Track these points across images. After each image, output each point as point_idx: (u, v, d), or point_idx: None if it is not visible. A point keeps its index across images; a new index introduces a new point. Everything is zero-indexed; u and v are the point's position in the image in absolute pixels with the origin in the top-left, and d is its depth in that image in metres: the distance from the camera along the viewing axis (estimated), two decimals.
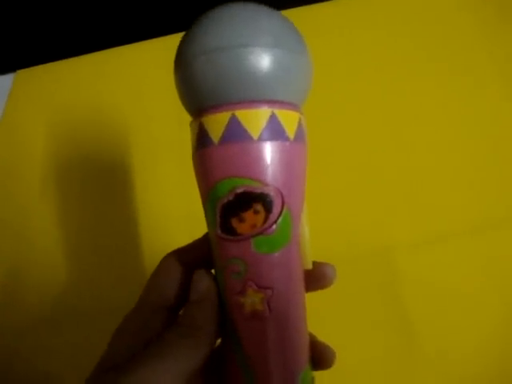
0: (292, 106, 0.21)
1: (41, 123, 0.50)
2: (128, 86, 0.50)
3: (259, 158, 0.20)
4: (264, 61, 0.20)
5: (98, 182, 0.46)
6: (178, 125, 0.46)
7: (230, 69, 0.20)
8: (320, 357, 0.24)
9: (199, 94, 0.21)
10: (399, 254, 0.39)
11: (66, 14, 0.55)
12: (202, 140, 0.21)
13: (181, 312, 0.23)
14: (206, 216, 0.22)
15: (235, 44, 0.20)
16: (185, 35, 0.22)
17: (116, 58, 0.52)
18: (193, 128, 0.22)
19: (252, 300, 0.21)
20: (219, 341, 0.23)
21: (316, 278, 0.23)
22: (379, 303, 0.38)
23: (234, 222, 0.21)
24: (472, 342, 0.36)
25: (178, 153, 0.45)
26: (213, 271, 0.23)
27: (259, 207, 0.20)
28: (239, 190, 0.20)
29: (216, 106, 0.21)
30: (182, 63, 0.21)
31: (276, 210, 0.21)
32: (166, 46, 0.49)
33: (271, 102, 0.21)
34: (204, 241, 0.24)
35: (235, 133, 0.20)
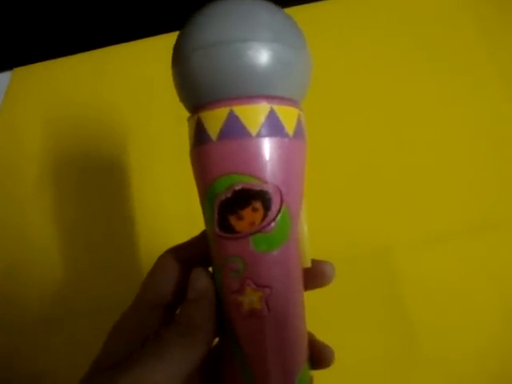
0: (291, 101, 0.21)
1: (38, 121, 0.50)
2: (126, 84, 0.50)
3: (258, 154, 0.20)
4: (263, 56, 0.20)
5: (95, 180, 0.46)
6: (175, 122, 0.46)
7: (227, 64, 0.20)
8: (319, 356, 0.24)
9: (197, 89, 0.21)
10: (398, 254, 0.39)
11: (64, 12, 0.55)
12: (199, 136, 0.21)
13: (178, 311, 0.23)
14: (204, 213, 0.22)
15: (233, 38, 0.19)
16: (182, 30, 0.21)
17: (113, 55, 0.51)
18: (190, 124, 0.22)
19: (250, 299, 0.21)
20: (216, 340, 0.23)
21: (315, 275, 0.23)
22: (378, 303, 0.38)
23: (232, 220, 0.20)
24: (471, 342, 0.36)
25: (175, 151, 0.45)
26: (210, 269, 0.23)
27: (258, 205, 0.20)
28: (237, 187, 0.20)
29: (214, 102, 0.20)
30: (180, 58, 0.21)
31: (275, 207, 0.20)
32: (164, 43, 0.49)
33: (270, 98, 0.20)
34: (201, 238, 0.23)
35: (233, 129, 0.20)
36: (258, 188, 0.20)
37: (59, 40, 0.54)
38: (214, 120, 0.20)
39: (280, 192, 0.20)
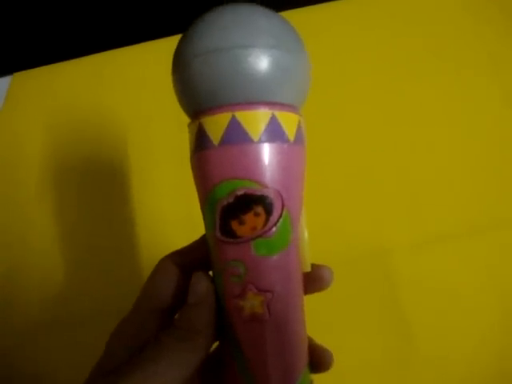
0: (292, 107, 0.21)
1: (38, 125, 0.50)
2: (125, 89, 0.50)
3: (260, 159, 0.20)
4: (263, 62, 0.20)
5: (95, 184, 0.46)
6: (176, 127, 0.46)
7: (229, 70, 0.20)
8: (318, 360, 0.24)
9: (198, 95, 0.21)
10: (397, 256, 0.39)
11: (63, 17, 0.55)
12: (201, 141, 0.21)
13: (177, 315, 0.23)
14: (205, 218, 0.22)
15: (233, 45, 0.20)
16: (182, 37, 0.22)
17: (113, 60, 0.51)
18: (191, 129, 0.22)
19: (251, 303, 0.21)
20: (216, 344, 0.23)
21: (313, 280, 0.23)
22: (377, 305, 0.38)
23: (234, 225, 0.20)
24: (470, 344, 0.36)
25: (176, 155, 0.45)
26: (211, 273, 0.23)
27: (260, 209, 0.20)
28: (240, 192, 0.20)
29: (215, 108, 0.20)
30: (180, 64, 0.21)
31: (276, 212, 0.20)
32: (164, 47, 0.49)
33: (271, 104, 0.20)
34: (201, 243, 0.23)
35: (235, 134, 0.20)
36: (259, 193, 0.20)
37: (59, 45, 0.54)
38: (216, 125, 0.20)
39: (281, 197, 0.20)
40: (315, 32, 0.47)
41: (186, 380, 0.20)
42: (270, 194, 0.20)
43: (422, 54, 0.46)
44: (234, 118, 0.20)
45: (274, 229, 0.20)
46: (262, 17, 0.21)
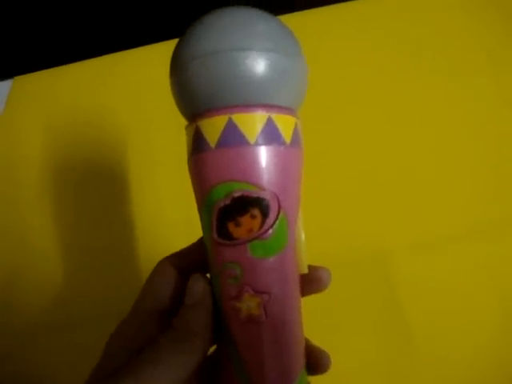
0: (288, 110, 0.21)
1: (39, 128, 0.50)
2: (126, 93, 0.50)
3: (256, 162, 0.20)
4: (260, 65, 0.20)
5: (95, 187, 0.46)
6: (176, 129, 0.45)
7: (225, 72, 0.20)
8: (315, 362, 0.24)
9: (195, 97, 0.21)
10: (397, 258, 0.39)
11: (63, 21, 0.55)
12: (197, 144, 0.21)
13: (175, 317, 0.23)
14: (202, 220, 0.22)
15: (231, 48, 0.20)
16: (180, 40, 0.22)
17: (114, 63, 0.52)
18: (188, 132, 0.22)
19: (248, 305, 0.21)
20: (213, 348, 0.23)
21: (311, 281, 0.23)
22: (377, 307, 0.38)
23: (231, 227, 0.20)
24: (470, 345, 0.36)
25: (175, 157, 0.44)
26: (208, 276, 0.23)
27: (256, 212, 0.20)
28: (236, 194, 0.20)
29: (212, 110, 0.21)
30: (178, 67, 0.21)
31: (272, 214, 0.21)
32: (163, 50, 0.49)
33: (268, 106, 0.21)
34: (199, 245, 0.24)
35: (232, 137, 0.20)
36: (256, 195, 0.20)
37: (59, 48, 0.55)
38: (213, 128, 0.20)
39: (278, 199, 0.21)
40: (313, 35, 0.47)
41: (183, 381, 0.20)
42: (267, 196, 0.20)
43: (421, 55, 0.46)
44: (230, 120, 0.20)
45: (270, 231, 0.20)
46: (259, 20, 0.21)
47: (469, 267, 0.38)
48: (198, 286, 0.22)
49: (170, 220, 0.43)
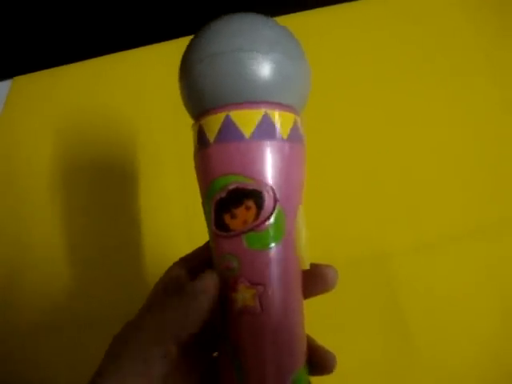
0: (287, 107, 0.22)
1: (38, 129, 0.50)
2: (126, 92, 0.50)
3: (251, 155, 0.21)
4: (261, 65, 0.21)
5: (95, 187, 0.46)
6: (175, 129, 0.46)
7: (226, 72, 0.21)
8: (320, 362, 0.23)
9: (199, 97, 0.22)
10: (398, 259, 0.39)
11: (63, 21, 0.55)
12: (200, 141, 0.22)
13: None
14: (205, 214, 0.23)
15: (234, 49, 0.21)
16: (188, 44, 0.23)
17: (113, 64, 0.52)
18: (193, 130, 0.23)
19: (243, 296, 0.21)
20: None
21: (316, 279, 0.23)
22: (378, 308, 0.38)
23: (227, 218, 0.21)
24: (470, 346, 0.36)
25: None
26: None
27: (250, 203, 0.21)
28: (231, 187, 0.21)
29: (214, 108, 0.21)
30: (185, 70, 0.22)
31: (268, 207, 0.21)
32: (161, 51, 0.50)
33: (265, 103, 0.21)
34: (207, 248, 0.24)
35: (229, 132, 0.21)
36: (250, 187, 0.21)
37: (59, 48, 0.55)
38: (212, 124, 0.21)
39: (273, 192, 0.21)
40: (314, 36, 0.48)
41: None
42: (262, 188, 0.21)
43: (421, 57, 0.47)
44: (228, 116, 0.21)
45: (266, 223, 0.21)
46: (262, 24, 0.22)
47: (469, 268, 0.38)
48: (210, 276, 0.22)
49: (177, 221, 0.43)
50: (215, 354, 0.25)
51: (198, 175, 0.23)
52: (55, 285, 0.42)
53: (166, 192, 0.44)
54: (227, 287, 0.21)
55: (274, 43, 0.21)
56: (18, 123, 0.51)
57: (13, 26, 0.56)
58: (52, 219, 0.45)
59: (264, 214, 0.21)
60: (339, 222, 0.41)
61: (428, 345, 0.36)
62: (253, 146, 0.21)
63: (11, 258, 0.44)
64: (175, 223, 0.43)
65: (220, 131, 0.21)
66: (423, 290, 0.38)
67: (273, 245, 0.21)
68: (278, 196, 0.21)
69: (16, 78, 0.54)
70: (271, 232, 0.21)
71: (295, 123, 0.22)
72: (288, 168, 0.22)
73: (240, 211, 0.21)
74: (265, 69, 0.21)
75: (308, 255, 0.23)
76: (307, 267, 0.23)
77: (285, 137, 0.21)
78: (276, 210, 0.21)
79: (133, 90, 0.50)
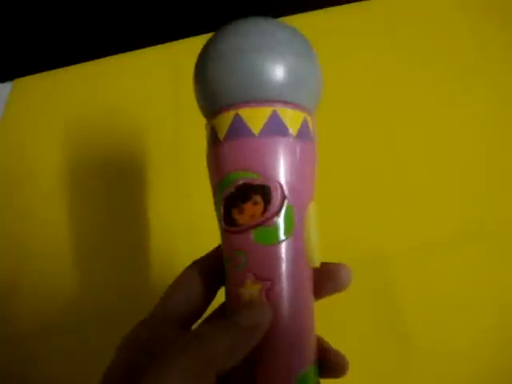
0: (297, 105, 0.22)
1: (39, 131, 0.50)
2: (127, 94, 0.50)
3: (259, 152, 0.21)
4: (268, 63, 0.21)
5: (95, 188, 0.46)
6: (177, 128, 0.46)
7: (236, 71, 0.21)
8: (332, 365, 0.23)
9: (211, 97, 0.22)
10: (396, 261, 0.39)
11: (64, 23, 0.55)
12: (212, 139, 0.23)
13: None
14: (216, 212, 0.23)
15: (247, 48, 0.21)
16: (202, 48, 0.23)
17: (115, 66, 0.52)
18: (206, 130, 0.23)
19: (250, 291, 0.21)
20: None
21: (327, 278, 0.23)
22: (376, 310, 0.38)
23: (235, 213, 0.21)
24: (468, 347, 0.36)
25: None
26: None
27: (258, 198, 0.21)
28: (239, 182, 0.21)
29: (225, 107, 0.22)
30: (199, 70, 0.23)
31: (275, 202, 0.21)
32: (161, 53, 0.50)
33: (275, 102, 0.22)
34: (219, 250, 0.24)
35: (238, 129, 0.21)
36: (258, 182, 0.21)
37: (60, 50, 0.55)
38: (223, 123, 0.22)
39: (281, 188, 0.21)
40: (314, 36, 0.48)
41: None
42: (269, 184, 0.21)
43: (421, 57, 0.47)
44: (237, 114, 0.21)
45: (274, 218, 0.21)
46: (274, 27, 0.22)
47: (468, 269, 0.38)
48: (266, 310, 0.20)
49: (184, 223, 0.42)
50: None
51: (209, 174, 0.23)
52: (57, 286, 0.42)
53: (168, 193, 0.44)
54: (234, 282, 0.22)
55: (283, 43, 0.22)
56: (19, 125, 0.51)
57: (13, 27, 0.56)
58: (54, 221, 0.45)
59: (272, 209, 0.21)
60: (337, 223, 0.40)
61: (426, 346, 0.36)
62: (261, 143, 0.21)
63: (15, 260, 0.44)
64: (178, 224, 0.43)
65: (230, 129, 0.22)
66: (422, 291, 0.38)
67: (281, 240, 0.21)
68: (286, 192, 0.21)
69: (17, 80, 0.54)
70: (280, 227, 0.21)
71: (305, 121, 0.23)
72: (296, 165, 0.22)
73: (248, 206, 0.21)
74: (273, 67, 0.21)
75: (319, 253, 0.23)
76: (317, 265, 0.23)
77: (294, 134, 0.22)
78: (284, 206, 0.21)
79: (133, 92, 0.50)
